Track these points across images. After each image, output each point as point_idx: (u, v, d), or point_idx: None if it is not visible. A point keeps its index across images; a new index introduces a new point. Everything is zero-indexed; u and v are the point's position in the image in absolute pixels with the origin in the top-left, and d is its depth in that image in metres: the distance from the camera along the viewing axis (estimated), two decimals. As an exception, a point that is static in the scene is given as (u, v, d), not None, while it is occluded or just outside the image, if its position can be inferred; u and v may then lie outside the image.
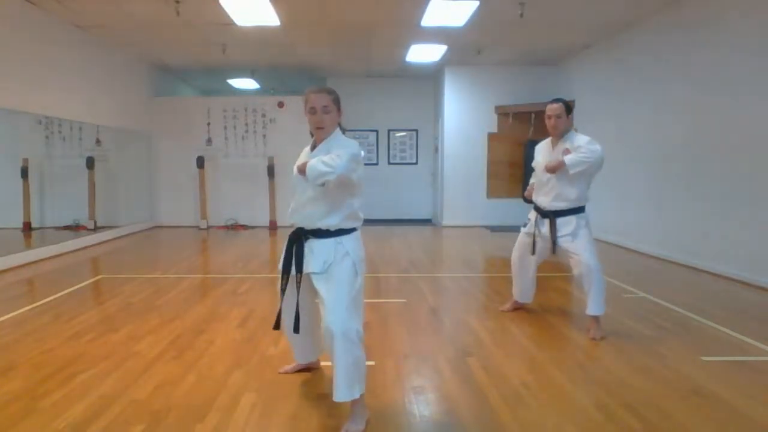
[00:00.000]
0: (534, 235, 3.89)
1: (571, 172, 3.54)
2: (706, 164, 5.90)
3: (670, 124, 6.55)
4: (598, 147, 3.56)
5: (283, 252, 2.54)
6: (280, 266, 2.57)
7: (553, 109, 3.69)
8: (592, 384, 2.88)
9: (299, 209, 2.46)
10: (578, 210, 3.71)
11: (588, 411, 2.56)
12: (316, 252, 2.42)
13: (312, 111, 2.41)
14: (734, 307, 4.45)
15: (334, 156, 2.22)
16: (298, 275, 2.46)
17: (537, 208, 3.89)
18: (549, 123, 3.72)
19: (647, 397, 2.70)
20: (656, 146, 6.86)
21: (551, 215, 3.75)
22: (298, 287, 2.47)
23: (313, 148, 2.49)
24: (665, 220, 6.65)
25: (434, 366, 3.13)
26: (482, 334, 3.72)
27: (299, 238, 2.47)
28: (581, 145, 3.59)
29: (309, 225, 2.44)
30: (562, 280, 5.35)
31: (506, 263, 4.23)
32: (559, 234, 3.72)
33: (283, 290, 2.55)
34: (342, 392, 2.32)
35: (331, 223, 2.40)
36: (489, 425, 2.42)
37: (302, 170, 2.29)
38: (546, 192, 3.78)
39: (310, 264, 2.43)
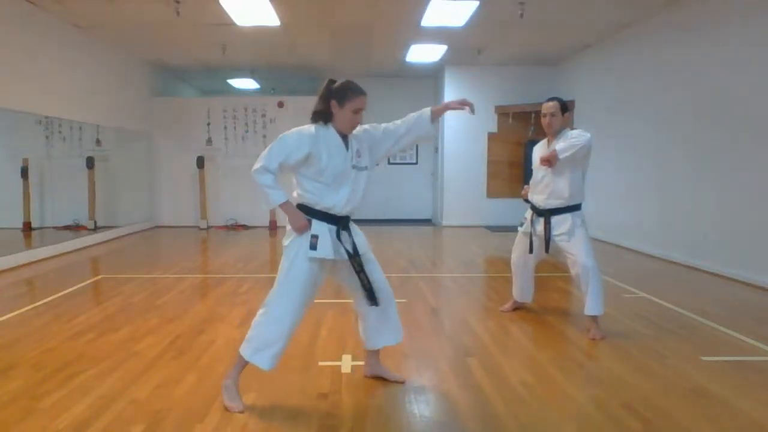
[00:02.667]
0: (530, 235, 3.89)
1: (561, 157, 3.53)
2: (706, 164, 5.90)
3: (670, 123, 6.55)
4: (587, 134, 3.59)
5: (327, 241, 2.52)
6: (323, 254, 2.52)
7: (548, 107, 3.70)
8: (592, 384, 2.88)
9: (354, 196, 2.59)
10: (574, 208, 3.71)
11: (588, 411, 2.56)
12: (358, 234, 2.68)
13: (359, 111, 2.53)
14: (734, 307, 4.45)
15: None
16: (358, 258, 2.61)
17: (533, 207, 3.89)
18: (544, 121, 3.74)
19: (647, 397, 2.70)
20: (656, 146, 6.86)
21: (546, 214, 3.75)
22: (362, 268, 2.62)
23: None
24: (665, 219, 6.65)
25: (434, 366, 3.13)
26: (482, 334, 3.72)
27: (338, 226, 2.59)
28: (573, 136, 3.62)
29: (357, 209, 2.64)
30: (562, 280, 5.35)
31: (506, 263, 4.24)
32: (554, 233, 3.72)
33: (361, 270, 2.61)
34: (399, 335, 2.85)
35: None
36: (489, 425, 2.42)
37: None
38: (540, 190, 3.78)
39: (364, 247, 2.68)
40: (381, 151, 2.74)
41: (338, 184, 2.53)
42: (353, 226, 2.69)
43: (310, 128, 2.54)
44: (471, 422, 2.45)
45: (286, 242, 2.60)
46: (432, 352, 3.37)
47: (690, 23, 6.18)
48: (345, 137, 2.59)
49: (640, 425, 2.40)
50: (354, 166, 2.57)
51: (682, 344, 3.49)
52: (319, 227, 2.53)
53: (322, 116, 2.56)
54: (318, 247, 2.51)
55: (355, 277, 2.63)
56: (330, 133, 2.55)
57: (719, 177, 5.68)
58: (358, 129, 2.67)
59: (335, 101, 2.51)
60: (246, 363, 2.61)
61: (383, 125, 2.73)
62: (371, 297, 2.64)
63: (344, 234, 2.60)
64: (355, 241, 2.63)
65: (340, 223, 2.59)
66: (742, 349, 3.44)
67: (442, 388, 2.82)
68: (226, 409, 2.53)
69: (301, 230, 2.52)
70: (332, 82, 2.56)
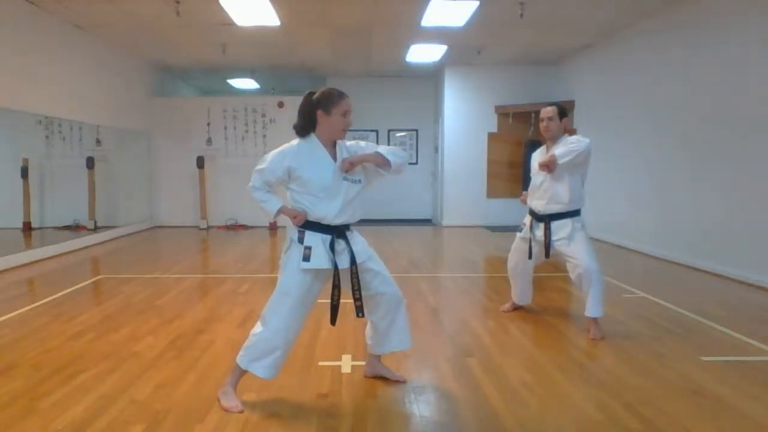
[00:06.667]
0: (530, 240, 3.89)
1: (560, 162, 3.54)
2: (706, 164, 5.90)
3: (670, 124, 6.55)
4: (586, 139, 3.60)
5: (321, 252, 2.53)
6: (317, 264, 2.53)
7: (545, 111, 3.72)
8: (592, 384, 2.88)
9: (347, 207, 2.58)
10: (573, 213, 3.71)
11: (588, 411, 2.56)
12: (357, 243, 2.66)
13: (346, 114, 2.57)
14: (734, 307, 4.45)
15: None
16: (354, 267, 2.59)
17: (532, 212, 3.89)
18: (542, 126, 3.76)
19: (647, 397, 2.70)
20: (656, 146, 6.86)
21: (546, 219, 3.74)
22: (357, 278, 2.61)
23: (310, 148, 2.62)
24: (665, 219, 6.65)
25: (434, 366, 3.13)
26: (482, 334, 3.72)
27: (332, 236, 2.58)
28: (572, 141, 3.63)
29: (351, 220, 2.64)
30: (562, 280, 5.35)
31: (506, 263, 4.23)
32: (554, 238, 3.71)
33: (338, 285, 2.61)
34: (407, 341, 2.84)
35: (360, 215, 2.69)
36: (489, 425, 2.42)
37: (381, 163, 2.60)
38: (540, 195, 3.78)
39: (364, 255, 2.66)
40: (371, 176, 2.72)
41: (329, 195, 2.54)
42: (353, 235, 2.68)
43: (293, 143, 2.60)
44: (471, 422, 2.45)
45: (282, 257, 2.62)
46: (432, 352, 3.37)
47: (690, 23, 6.18)
48: (333, 149, 2.60)
49: (640, 425, 2.41)
50: (346, 178, 2.57)
51: (682, 344, 3.49)
52: (312, 238, 2.54)
53: (304, 129, 2.60)
54: (311, 258, 2.52)
55: (369, 284, 2.67)
56: (313, 145, 2.58)
57: (719, 177, 5.68)
58: (352, 143, 2.70)
59: (321, 110, 2.54)
60: (243, 372, 2.62)
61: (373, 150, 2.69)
62: (358, 308, 2.64)
63: (340, 243, 2.59)
64: (354, 249, 2.60)
65: (335, 232, 2.58)
66: (742, 349, 3.44)
67: (442, 388, 2.82)
68: (225, 410, 2.54)
69: (299, 220, 2.54)
70: (311, 94, 2.58)
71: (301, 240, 2.54)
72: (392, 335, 2.80)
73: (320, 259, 2.53)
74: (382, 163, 2.61)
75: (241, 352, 2.62)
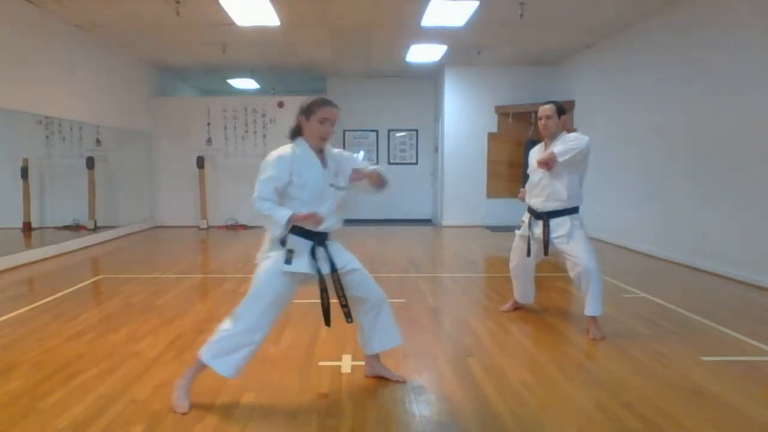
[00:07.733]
0: (528, 238, 3.89)
1: (560, 160, 3.53)
2: (706, 164, 5.90)
3: (670, 124, 6.56)
4: (585, 137, 3.60)
5: (302, 257, 2.56)
6: (298, 268, 2.54)
7: (543, 110, 3.72)
8: (592, 384, 2.88)
9: (332, 213, 2.63)
10: (572, 211, 3.70)
11: (588, 411, 2.56)
12: (337, 250, 2.71)
13: (325, 121, 2.58)
14: (734, 307, 4.45)
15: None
16: (335, 273, 2.63)
17: (530, 210, 3.89)
18: (540, 124, 3.76)
19: (647, 397, 2.70)
20: (656, 146, 6.86)
21: (545, 216, 3.74)
22: (340, 283, 2.65)
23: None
24: (665, 220, 6.65)
25: (434, 366, 3.13)
26: (482, 334, 3.72)
27: (314, 242, 2.62)
28: (571, 139, 3.63)
29: (334, 227, 2.68)
30: (562, 280, 5.35)
31: (506, 263, 4.24)
32: (553, 235, 3.71)
33: (325, 289, 2.63)
34: (398, 338, 2.87)
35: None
36: (489, 425, 2.42)
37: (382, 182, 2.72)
38: (538, 193, 3.78)
39: (344, 261, 2.71)
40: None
41: (317, 201, 2.56)
42: (332, 243, 2.71)
43: (286, 148, 2.61)
44: (471, 422, 2.45)
45: (261, 256, 2.63)
46: (432, 352, 3.37)
47: (690, 23, 6.18)
48: (321, 154, 2.64)
49: (640, 425, 2.41)
50: (332, 185, 2.62)
51: (682, 344, 3.49)
52: (295, 242, 2.56)
53: (293, 133, 2.66)
54: (293, 261, 2.53)
55: (349, 284, 2.69)
56: (305, 149, 2.61)
57: (719, 176, 5.68)
58: (339, 151, 2.75)
59: (303, 116, 2.59)
60: (204, 367, 2.58)
61: (357, 162, 2.79)
62: (346, 313, 2.69)
63: (320, 250, 2.61)
64: (333, 256, 2.64)
65: (316, 239, 2.60)
66: (743, 349, 3.44)
67: (442, 388, 2.82)
68: (173, 409, 2.51)
69: (318, 222, 2.52)
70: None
71: (283, 242, 2.55)
72: (377, 333, 2.81)
73: (301, 263, 2.55)
74: (380, 182, 2.72)
75: (205, 346, 2.57)
